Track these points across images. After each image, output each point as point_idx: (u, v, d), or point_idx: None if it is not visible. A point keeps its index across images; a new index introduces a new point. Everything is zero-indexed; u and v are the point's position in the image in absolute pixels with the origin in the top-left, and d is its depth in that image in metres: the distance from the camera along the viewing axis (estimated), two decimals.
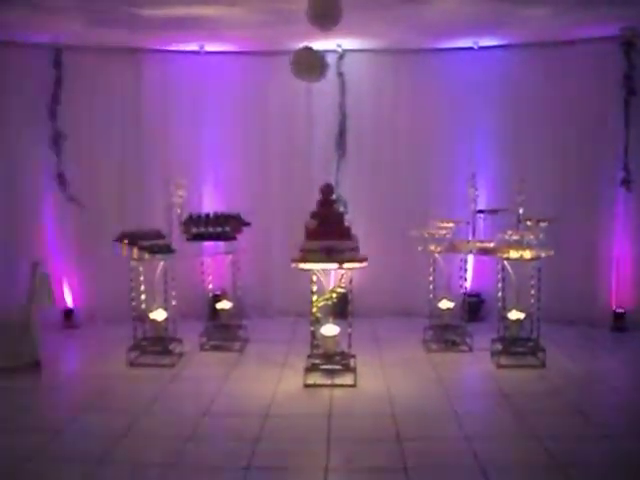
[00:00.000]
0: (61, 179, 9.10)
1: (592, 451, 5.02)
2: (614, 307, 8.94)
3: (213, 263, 8.31)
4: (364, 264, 6.53)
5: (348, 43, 9.15)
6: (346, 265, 6.47)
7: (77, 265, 9.29)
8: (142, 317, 7.56)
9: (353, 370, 6.67)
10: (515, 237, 7.11)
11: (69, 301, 9.27)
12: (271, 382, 6.68)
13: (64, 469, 4.75)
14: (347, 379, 6.59)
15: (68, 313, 9.24)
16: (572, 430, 5.44)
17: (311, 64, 5.98)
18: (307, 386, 6.51)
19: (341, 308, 7.00)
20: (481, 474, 4.59)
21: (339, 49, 9.30)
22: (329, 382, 6.58)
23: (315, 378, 6.62)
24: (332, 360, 6.76)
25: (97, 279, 9.25)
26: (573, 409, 5.93)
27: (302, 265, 6.53)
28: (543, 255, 7.11)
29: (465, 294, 8.40)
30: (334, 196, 7.05)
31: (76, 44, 8.90)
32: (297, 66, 5.99)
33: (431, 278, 8.04)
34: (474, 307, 9.11)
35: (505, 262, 7.30)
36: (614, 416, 5.97)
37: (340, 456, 4.93)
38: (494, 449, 5.07)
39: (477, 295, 9.25)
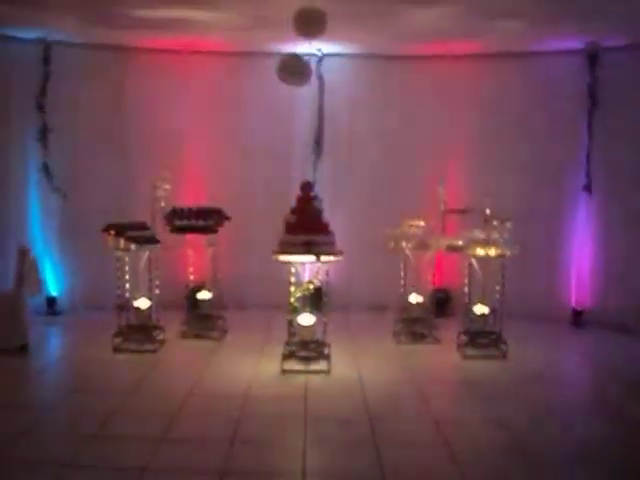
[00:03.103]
0: (46, 170, 9.41)
1: (547, 431, 5.46)
2: (574, 305, 9.46)
3: (195, 255, 8.66)
4: (340, 257, 6.93)
5: (328, 47, 9.53)
6: (323, 258, 6.86)
7: (61, 254, 9.58)
8: (126, 305, 7.88)
9: (327, 357, 7.06)
10: (482, 235, 7.55)
11: (52, 289, 9.56)
12: (250, 368, 7.06)
13: (55, 444, 5.07)
14: (322, 366, 6.99)
15: (51, 301, 9.54)
16: (530, 413, 5.88)
17: (296, 70, 6.35)
18: (284, 372, 6.89)
19: (316, 302, 7.39)
20: (448, 452, 5.00)
21: (319, 53, 9.68)
22: (305, 368, 6.97)
23: (292, 364, 7.00)
24: (308, 348, 7.14)
25: (80, 268, 9.56)
26: (532, 395, 6.40)
27: (281, 257, 6.91)
28: (508, 253, 7.54)
29: (434, 289, 8.88)
30: (313, 193, 7.42)
31: (65, 40, 9.23)
32: (282, 72, 6.36)
33: (402, 274, 8.47)
34: (443, 302, 9.58)
35: (472, 259, 7.76)
36: (567, 401, 6.47)
37: (316, 435, 5.31)
38: (460, 430, 5.49)
39: (446, 291, 9.70)
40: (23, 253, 7.66)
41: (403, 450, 5.05)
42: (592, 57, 9.15)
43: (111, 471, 4.56)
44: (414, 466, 4.78)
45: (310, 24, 5.93)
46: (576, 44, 9.07)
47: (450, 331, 8.16)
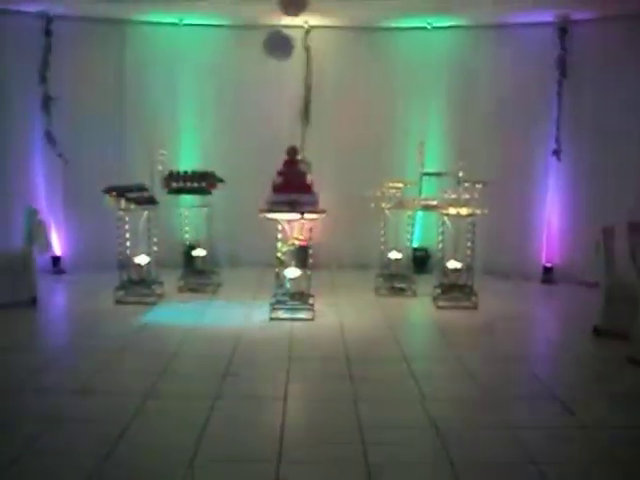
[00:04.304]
0: (49, 137, 10.01)
1: (503, 368, 6.20)
2: (544, 262, 10.17)
3: (190, 215, 9.31)
4: (323, 215, 7.60)
5: (314, 20, 10.09)
6: (307, 215, 7.53)
7: (64, 216, 10.23)
8: (127, 262, 8.52)
9: (312, 307, 7.74)
10: (453, 196, 8.22)
11: (57, 249, 10.20)
12: (242, 316, 7.77)
13: (69, 376, 5.77)
14: (306, 314, 7.68)
15: (56, 260, 10.20)
16: (491, 353, 6.62)
17: (280, 46, 6.96)
18: (272, 319, 7.59)
19: (301, 256, 8.05)
20: (414, 381, 5.69)
21: (305, 25, 10.24)
22: (291, 316, 7.66)
23: (279, 313, 7.69)
24: (294, 298, 7.82)
25: (82, 229, 10.20)
26: (494, 339, 7.12)
27: (269, 215, 7.58)
28: (478, 212, 8.22)
29: (415, 248, 9.57)
30: (299, 157, 8.05)
31: (65, 14, 9.77)
32: (267, 47, 6.96)
33: (382, 232, 9.14)
34: (421, 260, 10.27)
35: (445, 218, 8.43)
36: (526, 343, 7.29)
37: (298, 370, 6.00)
38: (427, 365, 6.23)
39: (425, 249, 10.38)
40: (31, 213, 8.29)
41: (375, 383, 5.75)
42: (562, 29, 9.74)
43: (120, 395, 5.25)
44: (383, 394, 5.48)
45: (293, 3, 6.52)
46: (547, 17, 9.67)
47: (428, 286, 8.82)
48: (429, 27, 10.27)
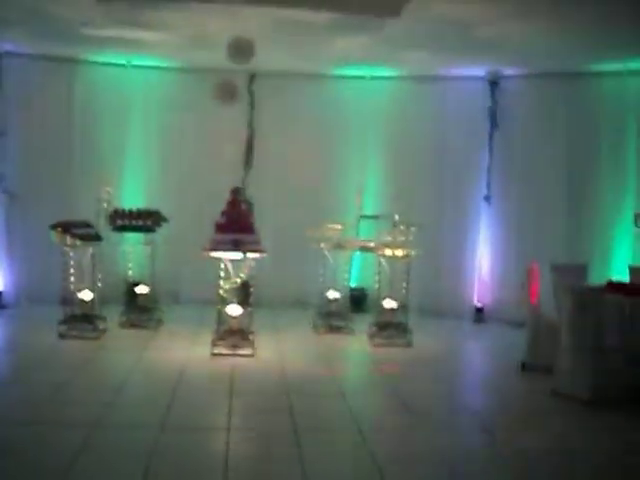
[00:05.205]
0: None
1: (435, 401, 6.54)
2: (475, 302, 10.65)
3: (133, 252, 9.48)
4: (264, 254, 7.89)
5: (259, 67, 10.46)
6: (249, 255, 7.82)
7: (6, 250, 10.26)
8: (71, 297, 8.63)
9: (252, 343, 7.99)
10: (389, 238, 8.63)
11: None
12: (183, 352, 7.96)
13: (15, 409, 5.84)
14: (247, 350, 7.90)
15: None
16: (423, 387, 6.98)
17: (226, 92, 7.31)
18: (214, 355, 7.80)
19: (243, 294, 8.30)
20: (350, 413, 6.00)
21: (250, 71, 10.61)
22: (232, 352, 7.88)
23: (220, 349, 7.90)
24: (235, 335, 8.05)
25: (24, 264, 10.26)
26: (424, 371, 7.54)
27: (212, 254, 7.83)
28: (413, 254, 8.65)
29: (352, 288, 9.94)
30: (241, 198, 8.35)
31: (15, 51, 9.96)
32: (215, 93, 7.31)
33: (321, 272, 9.47)
34: (359, 299, 10.63)
35: (381, 259, 8.82)
36: (458, 378, 7.73)
37: (240, 403, 6.23)
38: (362, 399, 6.55)
39: (362, 289, 10.75)
40: None
41: (313, 415, 6.02)
42: (493, 83, 10.40)
43: (66, 427, 5.39)
44: (322, 425, 5.77)
45: (240, 53, 6.88)
46: (479, 72, 10.32)
47: (365, 324, 9.15)
48: (368, 77, 10.79)
